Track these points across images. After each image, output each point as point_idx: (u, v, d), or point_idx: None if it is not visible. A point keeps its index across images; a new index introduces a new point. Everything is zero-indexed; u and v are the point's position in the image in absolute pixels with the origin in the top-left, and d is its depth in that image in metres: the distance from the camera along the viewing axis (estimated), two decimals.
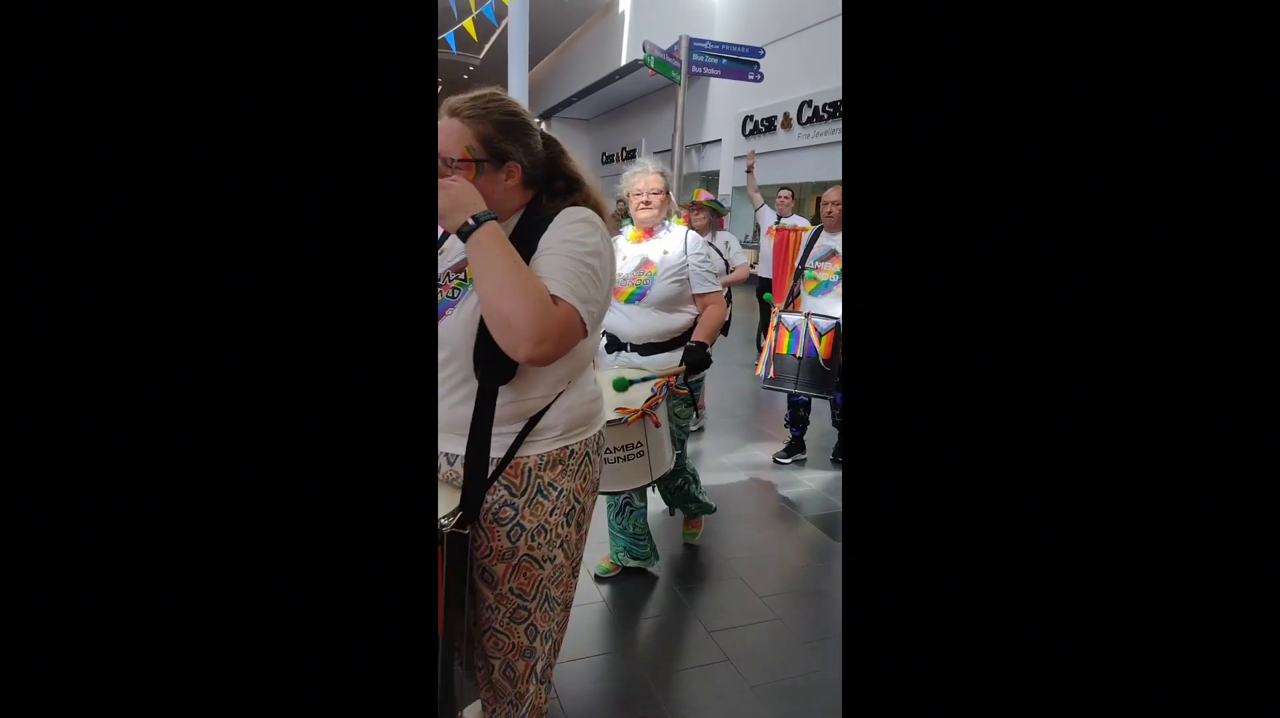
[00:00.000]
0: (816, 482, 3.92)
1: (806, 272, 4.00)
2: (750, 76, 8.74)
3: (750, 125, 13.17)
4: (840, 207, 3.74)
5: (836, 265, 3.90)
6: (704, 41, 8.63)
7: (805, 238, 4.14)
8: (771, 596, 2.65)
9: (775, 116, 12.38)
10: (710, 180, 15.44)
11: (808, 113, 11.51)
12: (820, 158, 11.38)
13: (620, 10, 14.94)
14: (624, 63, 14.81)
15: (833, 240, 3.94)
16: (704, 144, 15.23)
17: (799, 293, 4.04)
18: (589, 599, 2.57)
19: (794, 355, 3.67)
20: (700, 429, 4.76)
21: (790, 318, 3.76)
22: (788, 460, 4.22)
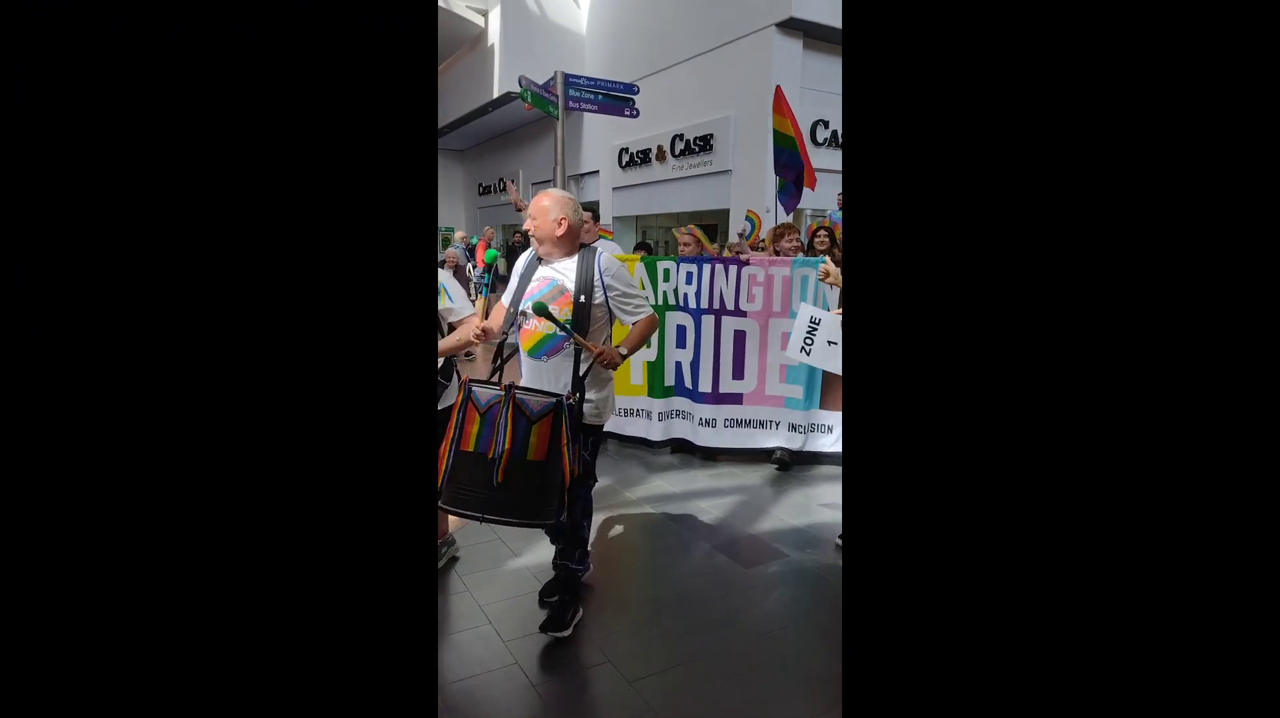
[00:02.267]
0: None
1: (521, 318, 2.38)
2: (626, 112, 9.03)
3: (626, 158, 13.55)
4: (536, 221, 2.35)
5: (565, 309, 2.31)
6: (579, 78, 8.83)
7: (520, 263, 2.48)
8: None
9: (649, 149, 12.82)
10: (591, 209, 15.65)
11: (680, 145, 12.01)
12: (693, 189, 11.88)
13: (490, 43, 14.97)
14: (496, 95, 14.81)
15: (558, 269, 2.37)
16: (583, 175, 15.48)
17: (515, 350, 2.46)
18: (503, 663, 2.43)
19: (484, 455, 2.11)
20: None
21: (484, 392, 2.17)
22: (579, 566, 2.68)
